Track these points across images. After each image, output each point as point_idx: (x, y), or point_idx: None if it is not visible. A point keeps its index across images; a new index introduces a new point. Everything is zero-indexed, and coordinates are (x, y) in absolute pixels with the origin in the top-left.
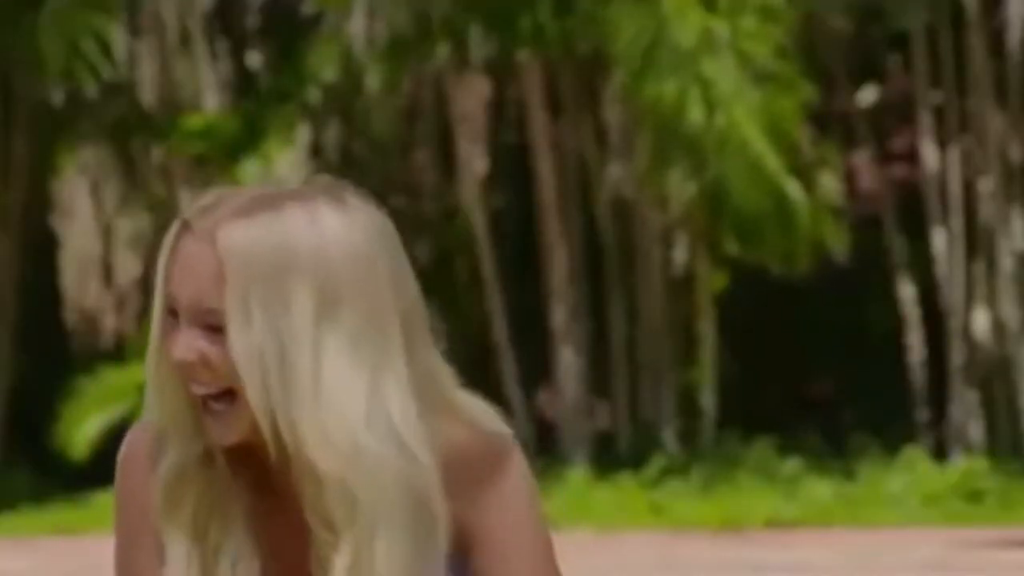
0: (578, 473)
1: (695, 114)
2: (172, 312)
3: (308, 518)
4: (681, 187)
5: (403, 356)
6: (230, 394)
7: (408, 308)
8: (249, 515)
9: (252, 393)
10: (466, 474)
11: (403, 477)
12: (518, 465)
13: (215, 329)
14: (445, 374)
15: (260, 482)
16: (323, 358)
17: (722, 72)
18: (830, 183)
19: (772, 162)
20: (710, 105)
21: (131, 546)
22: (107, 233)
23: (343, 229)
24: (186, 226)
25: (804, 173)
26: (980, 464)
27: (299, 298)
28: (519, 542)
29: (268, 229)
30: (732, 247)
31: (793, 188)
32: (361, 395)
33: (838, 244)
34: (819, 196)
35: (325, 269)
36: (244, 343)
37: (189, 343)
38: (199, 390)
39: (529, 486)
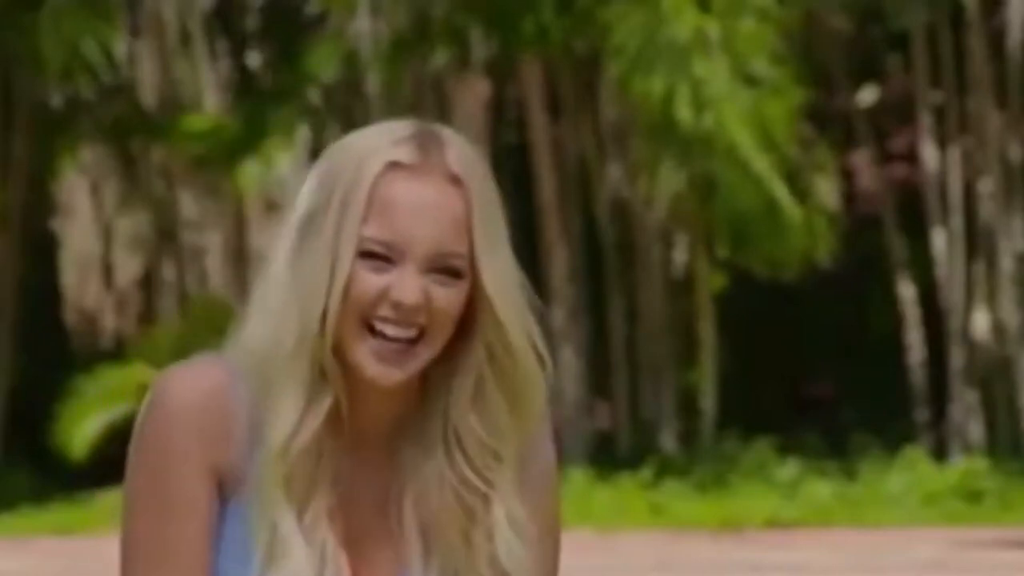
0: (578, 473)
1: (683, 112)
2: (371, 254)
3: (478, 436)
4: (671, 186)
5: None
6: (420, 336)
7: None
8: (335, 483)
9: (506, 312)
10: None
11: None
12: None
13: (449, 272)
14: None
15: (349, 449)
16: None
17: (713, 72)
18: (825, 188)
19: (761, 165)
20: (699, 104)
21: (176, 510)
22: (107, 233)
23: None
24: (397, 166)
25: (799, 177)
26: (980, 464)
27: (503, 222)
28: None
29: (482, 163)
30: (724, 249)
31: (782, 193)
32: None
33: (829, 251)
34: (813, 201)
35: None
36: (495, 274)
37: (420, 286)
38: (402, 333)
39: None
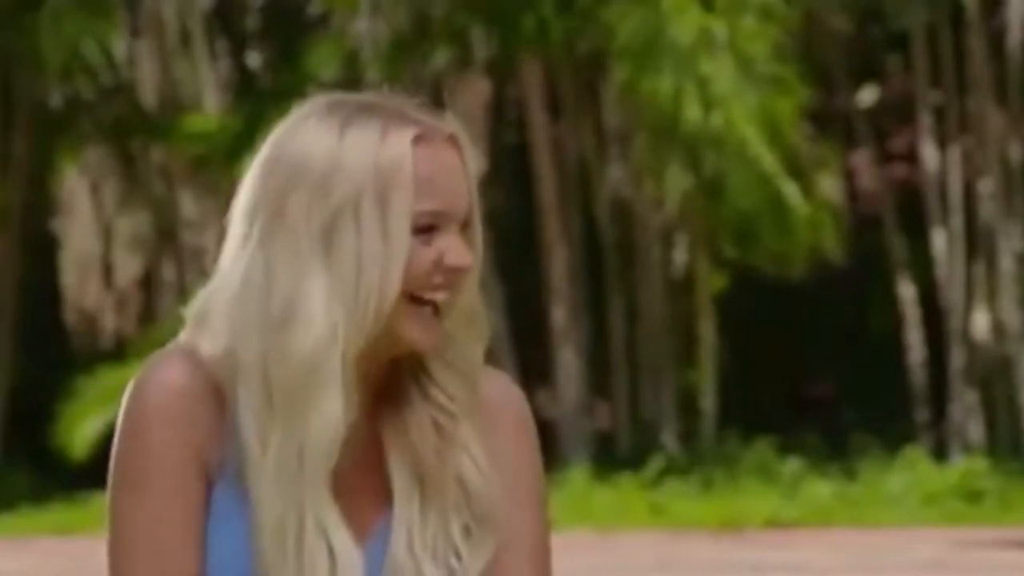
0: (578, 473)
1: (692, 112)
2: (419, 229)
3: (445, 385)
4: (678, 185)
5: None
6: None
7: None
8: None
9: (478, 264)
10: None
11: None
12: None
13: (462, 228)
14: None
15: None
16: None
17: (719, 71)
18: (828, 186)
19: (769, 163)
20: (707, 103)
21: (165, 504)
22: (107, 233)
23: None
24: (420, 139)
25: (802, 176)
26: (980, 464)
27: None
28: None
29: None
30: (729, 248)
31: (791, 189)
32: None
33: (835, 248)
34: (817, 199)
35: None
36: (478, 223)
37: (465, 247)
38: (446, 296)
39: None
